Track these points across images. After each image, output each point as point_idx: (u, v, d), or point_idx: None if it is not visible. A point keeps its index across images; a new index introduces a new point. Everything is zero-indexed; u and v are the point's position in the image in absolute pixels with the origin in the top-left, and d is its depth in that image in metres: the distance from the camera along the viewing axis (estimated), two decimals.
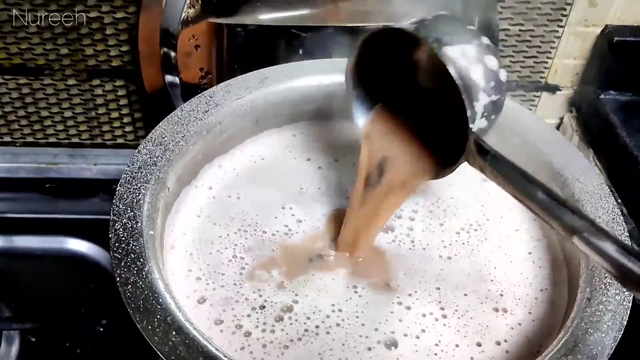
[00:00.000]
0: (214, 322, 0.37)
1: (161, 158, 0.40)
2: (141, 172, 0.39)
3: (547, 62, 0.63)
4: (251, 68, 0.48)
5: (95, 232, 0.59)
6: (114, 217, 0.36)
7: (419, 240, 0.42)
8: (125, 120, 0.64)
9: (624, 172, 0.58)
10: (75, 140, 0.66)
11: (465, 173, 0.37)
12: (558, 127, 0.68)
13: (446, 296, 0.39)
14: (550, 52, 0.62)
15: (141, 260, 0.34)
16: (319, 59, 0.50)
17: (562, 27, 0.61)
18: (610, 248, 0.27)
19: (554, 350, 0.33)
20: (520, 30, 0.61)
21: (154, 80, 0.59)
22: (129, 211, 0.37)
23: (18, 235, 0.61)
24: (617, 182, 0.58)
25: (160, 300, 0.33)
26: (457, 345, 0.36)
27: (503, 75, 0.35)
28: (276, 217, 0.43)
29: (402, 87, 0.40)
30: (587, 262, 0.37)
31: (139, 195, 0.38)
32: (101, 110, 0.63)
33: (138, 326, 0.32)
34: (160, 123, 0.43)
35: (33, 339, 0.55)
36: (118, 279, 0.33)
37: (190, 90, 0.58)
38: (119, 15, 0.57)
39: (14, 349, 0.54)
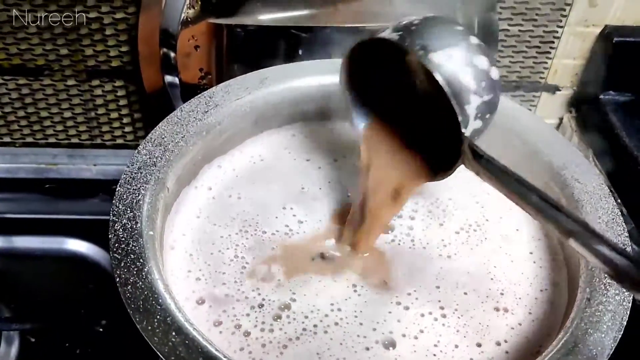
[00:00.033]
0: (213, 324, 0.36)
1: (161, 158, 0.40)
2: (141, 173, 0.39)
3: (546, 63, 0.63)
4: (251, 68, 0.48)
5: (95, 232, 0.59)
6: (114, 218, 0.36)
7: (419, 239, 0.42)
8: (125, 120, 0.64)
9: (623, 172, 0.58)
10: (74, 140, 0.66)
11: (464, 174, 0.37)
12: (557, 127, 0.68)
13: (446, 295, 0.39)
14: (549, 53, 0.62)
15: (141, 260, 0.34)
16: (319, 59, 0.50)
17: (561, 27, 0.61)
18: (604, 249, 0.27)
19: (553, 350, 0.33)
20: (519, 30, 0.61)
21: (154, 81, 0.59)
22: (128, 212, 0.37)
23: (18, 235, 0.61)
24: (616, 183, 0.58)
25: (160, 300, 0.33)
26: (456, 346, 0.36)
27: (495, 73, 0.35)
28: (277, 217, 0.43)
29: (398, 90, 0.40)
30: (587, 262, 0.37)
31: (138, 196, 0.38)
32: (101, 111, 0.63)
33: (138, 327, 0.32)
34: (160, 123, 0.43)
35: (33, 340, 0.54)
36: (118, 280, 0.33)
37: (189, 91, 0.58)
38: (119, 15, 0.57)
39: (14, 349, 0.54)
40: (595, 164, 0.61)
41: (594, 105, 0.63)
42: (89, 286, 0.58)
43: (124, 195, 0.38)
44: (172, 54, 0.57)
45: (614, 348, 0.33)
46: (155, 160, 0.40)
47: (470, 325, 0.37)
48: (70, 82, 0.61)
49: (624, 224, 0.39)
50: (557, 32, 0.61)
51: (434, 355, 0.36)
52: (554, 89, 0.66)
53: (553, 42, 0.62)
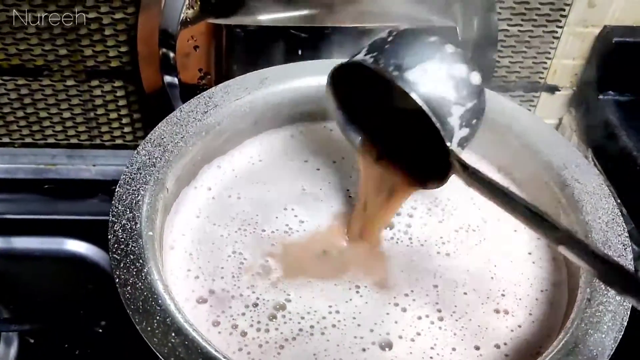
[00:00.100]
0: (212, 324, 0.37)
1: (160, 159, 0.40)
2: (140, 173, 0.39)
3: (546, 63, 0.63)
4: (250, 69, 0.48)
5: (94, 233, 0.59)
6: (113, 218, 0.36)
7: (417, 237, 0.42)
8: (124, 121, 0.64)
9: (623, 173, 0.58)
10: (74, 141, 0.66)
11: None
12: (557, 128, 0.68)
13: (444, 296, 0.39)
14: (549, 53, 0.62)
15: (140, 261, 0.34)
16: (318, 59, 0.50)
17: (561, 27, 0.61)
18: (590, 256, 0.29)
19: (554, 351, 0.33)
20: (519, 30, 0.60)
21: (153, 81, 0.59)
22: (128, 212, 0.37)
23: (17, 236, 0.61)
24: (616, 183, 0.58)
25: (159, 301, 0.33)
26: (453, 349, 0.36)
27: (475, 78, 0.35)
28: (277, 217, 0.43)
29: (386, 105, 0.40)
30: None
31: (138, 197, 0.38)
32: (100, 111, 0.63)
33: (137, 327, 0.32)
34: (159, 124, 0.43)
35: (32, 341, 0.54)
36: (117, 280, 0.33)
37: (189, 91, 0.58)
38: (118, 16, 0.57)
39: (13, 350, 0.54)
40: (595, 164, 0.61)
41: (594, 105, 0.63)
42: (88, 287, 0.58)
43: (124, 196, 0.38)
44: (172, 54, 0.57)
45: (614, 348, 0.33)
46: (154, 160, 0.40)
47: (469, 328, 0.37)
48: (70, 82, 0.61)
49: (623, 224, 0.39)
50: (556, 32, 0.61)
51: (431, 357, 0.36)
52: (553, 89, 0.66)
53: (552, 43, 0.62)
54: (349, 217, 0.43)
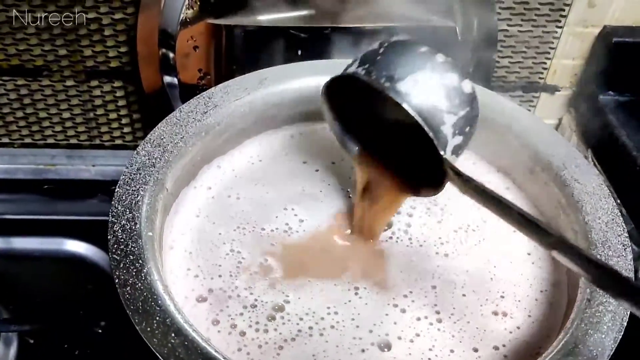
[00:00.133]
0: (211, 323, 0.37)
1: (160, 159, 0.40)
2: (140, 174, 0.39)
3: (545, 63, 0.63)
4: (250, 69, 0.48)
5: (94, 233, 0.59)
6: (113, 219, 0.36)
7: (416, 237, 0.42)
8: (124, 121, 0.64)
9: (623, 173, 0.58)
10: (73, 141, 0.66)
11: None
12: (557, 128, 0.68)
13: (443, 297, 0.39)
14: (549, 53, 0.62)
15: (140, 261, 0.34)
16: (318, 60, 0.50)
17: (560, 27, 0.61)
18: (583, 261, 0.29)
19: (553, 351, 0.32)
20: (519, 31, 0.61)
21: (153, 81, 0.59)
22: (127, 212, 0.37)
23: (16, 236, 0.61)
24: (616, 183, 0.58)
25: (159, 301, 0.33)
26: (452, 351, 0.36)
27: (467, 86, 0.35)
28: (277, 217, 0.43)
29: (382, 115, 0.40)
30: None
31: (137, 197, 0.37)
32: (99, 112, 0.63)
33: (137, 328, 0.32)
34: (159, 124, 0.42)
35: (31, 341, 0.54)
36: (117, 281, 0.33)
37: (188, 91, 0.58)
38: (118, 16, 0.57)
39: (12, 350, 0.54)
40: (594, 164, 0.61)
41: (593, 105, 0.63)
42: (88, 287, 0.58)
43: (123, 196, 0.37)
44: (171, 55, 0.57)
45: (614, 349, 0.33)
46: (154, 161, 0.40)
47: (467, 330, 0.37)
48: (69, 82, 0.61)
49: (623, 224, 0.39)
50: (556, 32, 0.61)
51: (429, 359, 0.36)
52: (553, 89, 0.66)
53: (552, 43, 0.62)
54: (350, 216, 0.43)
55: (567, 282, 0.40)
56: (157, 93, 0.59)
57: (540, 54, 0.62)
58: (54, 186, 0.66)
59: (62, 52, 0.59)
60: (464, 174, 0.34)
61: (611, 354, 0.33)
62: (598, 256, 0.37)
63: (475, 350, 0.36)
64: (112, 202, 0.37)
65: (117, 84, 0.61)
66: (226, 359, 0.31)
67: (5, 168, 0.67)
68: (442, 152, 0.34)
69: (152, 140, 0.41)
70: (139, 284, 0.33)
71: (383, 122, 0.40)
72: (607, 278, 0.29)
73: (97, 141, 0.66)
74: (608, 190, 0.41)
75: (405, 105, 0.34)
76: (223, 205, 0.43)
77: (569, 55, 0.63)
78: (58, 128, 0.65)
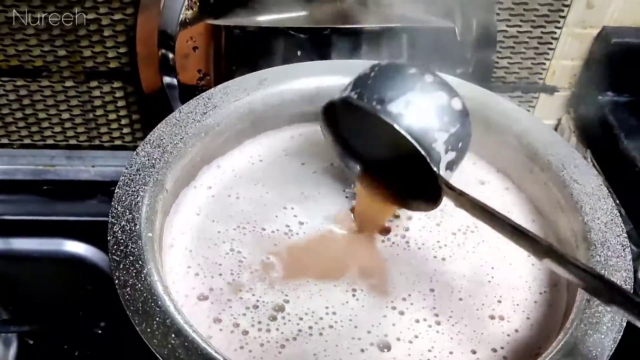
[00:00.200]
0: (213, 321, 0.37)
1: (159, 160, 0.40)
2: (139, 174, 0.39)
3: (545, 64, 0.63)
4: (249, 70, 0.48)
5: (93, 234, 0.59)
6: (113, 220, 0.36)
7: (414, 239, 0.42)
8: (123, 122, 0.64)
9: (621, 173, 0.58)
10: (73, 142, 0.66)
11: (461, 178, 0.37)
12: (556, 128, 0.68)
13: (441, 301, 0.39)
14: (548, 54, 0.63)
15: (140, 262, 0.34)
16: (318, 60, 0.50)
17: (559, 28, 0.61)
18: (574, 269, 0.30)
19: (553, 352, 0.32)
20: (518, 31, 0.61)
21: (152, 82, 0.59)
22: (127, 213, 0.37)
23: (16, 237, 0.60)
24: (615, 183, 0.58)
25: (159, 302, 0.33)
26: (451, 352, 0.36)
27: (457, 103, 0.36)
28: (277, 216, 0.43)
29: (379, 135, 0.40)
30: None
31: (137, 198, 0.37)
32: (99, 112, 0.63)
33: (137, 329, 0.32)
34: (159, 125, 0.43)
35: (31, 342, 0.54)
36: (117, 281, 0.33)
37: (188, 92, 0.58)
38: (117, 16, 0.57)
39: (12, 351, 0.54)
40: (593, 165, 0.61)
41: (593, 106, 0.63)
42: (88, 288, 0.58)
43: (123, 197, 0.37)
44: (171, 55, 0.57)
45: (613, 349, 0.33)
46: (153, 161, 0.40)
47: (465, 333, 0.37)
48: (69, 83, 0.61)
49: (622, 224, 0.39)
50: (555, 33, 0.61)
51: None
52: (552, 90, 0.66)
53: (551, 43, 0.62)
54: (349, 216, 0.43)
55: (566, 283, 0.40)
56: (157, 94, 0.59)
57: (539, 54, 0.63)
58: (54, 187, 0.66)
59: (62, 52, 0.59)
60: (457, 189, 0.36)
61: (610, 354, 0.33)
62: (597, 257, 0.37)
63: (474, 352, 0.36)
64: (112, 203, 0.37)
65: (116, 84, 0.61)
66: (226, 359, 0.31)
67: (4, 169, 0.67)
68: (435, 169, 0.36)
69: (151, 141, 0.41)
70: (139, 285, 0.33)
71: (380, 142, 0.40)
72: (597, 285, 0.30)
73: (97, 142, 0.66)
74: (607, 191, 0.41)
75: (396, 126, 0.35)
76: (223, 205, 0.43)
77: (568, 55, 0.63)
78: (57, 129, 0.65)
